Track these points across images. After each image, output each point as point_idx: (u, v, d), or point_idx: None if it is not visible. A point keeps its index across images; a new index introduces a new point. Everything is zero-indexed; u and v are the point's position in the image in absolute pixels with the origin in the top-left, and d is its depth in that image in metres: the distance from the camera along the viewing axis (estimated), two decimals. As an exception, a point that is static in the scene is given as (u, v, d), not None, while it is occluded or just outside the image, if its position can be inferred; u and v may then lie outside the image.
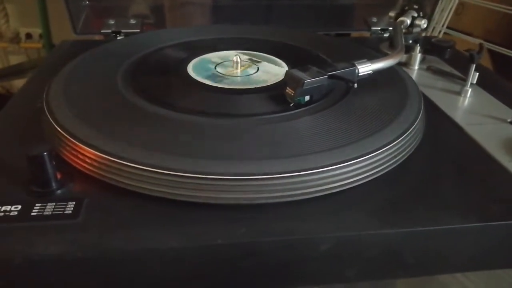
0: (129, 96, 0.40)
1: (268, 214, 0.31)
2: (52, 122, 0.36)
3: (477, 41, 0.86)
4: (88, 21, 0.72)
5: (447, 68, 0.58)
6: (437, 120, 0.45)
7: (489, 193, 0.34)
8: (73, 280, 0.29)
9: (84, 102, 0.39)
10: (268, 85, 0.43)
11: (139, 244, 0.28)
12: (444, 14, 0.95)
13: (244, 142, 0.34)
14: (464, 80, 0.54)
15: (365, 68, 0.41)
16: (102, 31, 0.65)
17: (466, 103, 0.50)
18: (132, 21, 0.67)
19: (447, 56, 0.57)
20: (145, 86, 0.42)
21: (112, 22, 0.66)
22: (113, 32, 0.66)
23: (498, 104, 0.49)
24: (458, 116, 0.46)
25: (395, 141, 0.35)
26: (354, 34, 0.76)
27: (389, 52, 0.58)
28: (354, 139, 0.34)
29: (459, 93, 0.51)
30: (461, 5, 1.00)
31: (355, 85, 0.39)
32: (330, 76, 0.39)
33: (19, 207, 0.31)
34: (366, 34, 0.74)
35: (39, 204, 0.31)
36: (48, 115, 0.37)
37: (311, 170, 0.31)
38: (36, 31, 1.33)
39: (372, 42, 0.70)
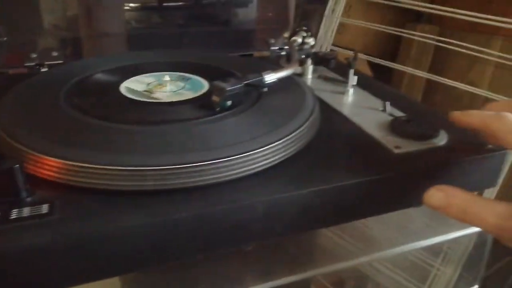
0: (78, 115, 0.46)
1: (212, 193, 0.40)
2: (12, 141, 0.41)
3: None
4: (3, 57, 0.74)
5: (333, 75, 0.72)
6: (329, 114, 0.58)
7: (367, 159, 0.47)
8: (60, 267, 0.34)
9: (36, 122, 0.44)
10: (196, 97, 0.52)
11: (113, 224, 0.35)
12: (328, 34, 1.14)
13: (186, 141, 0.42)
14: (347, 83, 0.68)
15: (270, 77, 0.52)
16: (25, 64, 0.69)
17: (350, 100, 0.64)
18: (54, 53, 0.71)
19: (332, 66, 0.72)
20: (89, 106, 0.48)
21: (34, 55, 0.69)
22: (36, 64, 0.69)
23: (373, 98, 0.64)
24: (345, 110, 0.60)
25: (300, 127, 0.46)
26: (256, 54, 0.89)
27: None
28: (270, 129, 0.44)
29: (343, 93, 0.66)
30: (342, 26, 1.20)
31: (265, 89, 0.50)
32: (245, 84, 0.49)
33: (-3, 214, 0.35)
34: (267, 53, 0.87)
35: (16, 210, 0.36)
36: (5, 136, 0.42)
37: (247, 152, 0.41)
38: None
39: (272, 59, 0.83)
